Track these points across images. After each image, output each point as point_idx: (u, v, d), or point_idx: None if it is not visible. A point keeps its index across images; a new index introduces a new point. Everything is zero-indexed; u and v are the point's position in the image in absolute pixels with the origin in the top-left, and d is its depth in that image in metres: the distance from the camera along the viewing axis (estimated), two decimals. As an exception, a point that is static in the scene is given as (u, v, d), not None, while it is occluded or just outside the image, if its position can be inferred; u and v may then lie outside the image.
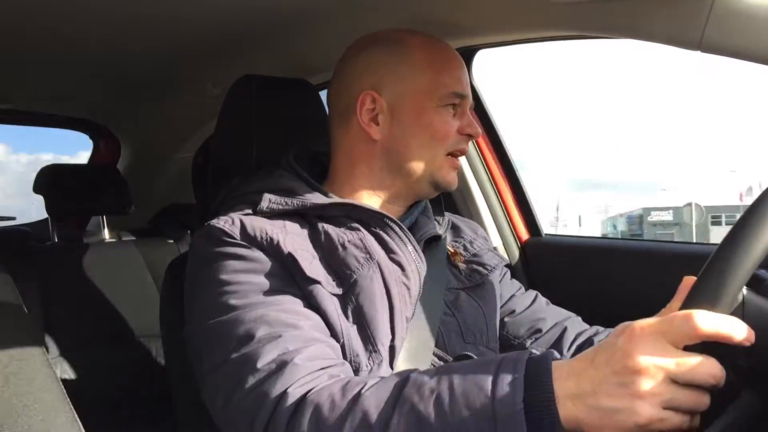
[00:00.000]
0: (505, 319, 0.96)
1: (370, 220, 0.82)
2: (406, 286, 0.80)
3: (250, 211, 0.81)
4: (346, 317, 0.75)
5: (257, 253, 0.75)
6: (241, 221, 0.77)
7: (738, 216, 0.54)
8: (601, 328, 0.94)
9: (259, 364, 0.65)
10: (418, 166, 0.85)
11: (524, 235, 1.46)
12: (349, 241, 0.79)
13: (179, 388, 0.93)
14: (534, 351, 0.59)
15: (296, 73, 1.18)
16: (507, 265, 1.02)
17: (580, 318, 0.97)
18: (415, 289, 0.81)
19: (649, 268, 1.20)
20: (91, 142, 2.07)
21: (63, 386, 0.71)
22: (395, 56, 0.85)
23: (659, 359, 0.50)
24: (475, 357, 0.83)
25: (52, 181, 1.63)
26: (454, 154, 0.87)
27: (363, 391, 0.60)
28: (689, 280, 0.55)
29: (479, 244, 0.98)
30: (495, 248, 1.03)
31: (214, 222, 0.78)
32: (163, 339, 0.99)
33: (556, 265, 1.40)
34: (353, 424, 0.58)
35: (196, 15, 1.14)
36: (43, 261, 1.51)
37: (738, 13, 0.66)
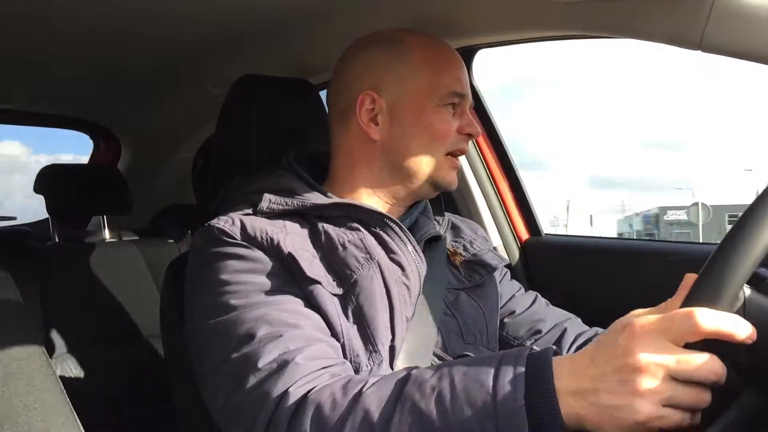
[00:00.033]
0: (505, 320, 0.96)
1: (370, 220, 0.82)
2: (406, 286, 0.80)
3: (250, 211, 0.81)
4: (347, 317, 0.75)
5: (258, 253, 0.75)
6: (242, 221, 0.77)
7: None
8: (600, 330, 0.94)
9: (260, 364, 0.65)
10: (417, 166, 0.85)
11: (524, 234, 1.46)
12: (349, 241, 0.79)
13: (179, 388, 0.93)
14: (534, 347, 0.59)
15: (297, 73, 1.18)
16: (507, 265, 1.02)
17: (579, 319, 0.97)
18: (415, 289, 0.81)
19: (650, 268, 1.20)
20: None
21: (63, 386, 0.71)
22: (394, 56, 0.85)
23: (659, 357, 0.50)
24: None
25: (52, 181, 1.63)
26: (454, 154, 0.87)
27: (364, 389, 0.60)
28: (691, 278, 0.55)
29: (479, 244, 0.98)
30: (495, 248, 1.03)
31: (214, 222, 0.78)
32: (164, 339, 0.99)
33: (556, 265, 1.40)
34: (355, 423, 0.58)
35: (196, 15, 1.14)
36: (44, 261, 1.51)
37: (738, 13, 0.66)
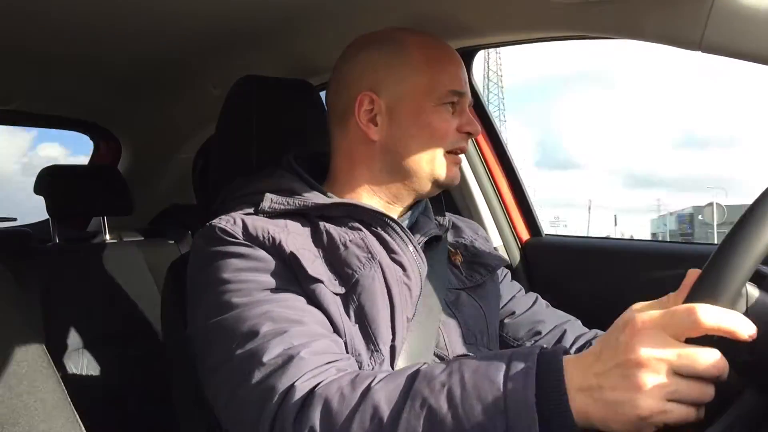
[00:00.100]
0: (505, 321, 0.96)
1: (372, 220, 0.82)
2: (407, 286, 0.80)
3: (251, 211, 0.81)
4: (348, 316, 0.75)
5: (260, 252, 0.75)
6: (243, 221, 0.78)
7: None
8: (599, 332, 0.94)
9: (265, 359, 0.65)
10: (418, 166, 0.85)
11: (525, 235, 1.46)
12: (350, 241, 0.79)
13: (180, 388, 0.94)
14: (544, 346, 0.59)
15: (297, 74, 1.18)
16: (507, 266, 1.02)
17: (579, 321, 0.97)
18: (416, 289, 0.81)
19: (650, 268, 1.20)
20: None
21: (64, 386, 0.71)
22: (393, 56, 0.85)
23: (660, 351, 0.50)
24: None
25: (52, 182, 1.63)
26: (454, 152, 0.87)
27: (373, 384, 0.60)
28: (694, 273, 0.56)
29: (480, 244, 0.98)
30: (495, 248, 1.03)
31: (215, 222, 0.78)
32: (164, 339, 0.99)
33: (557, 266, 1.40)
34: (364, 418, 0.58)
35: (196, 15, 1.14)
36: (45, 262, 1.51)
37: (738, 14, 0.66)
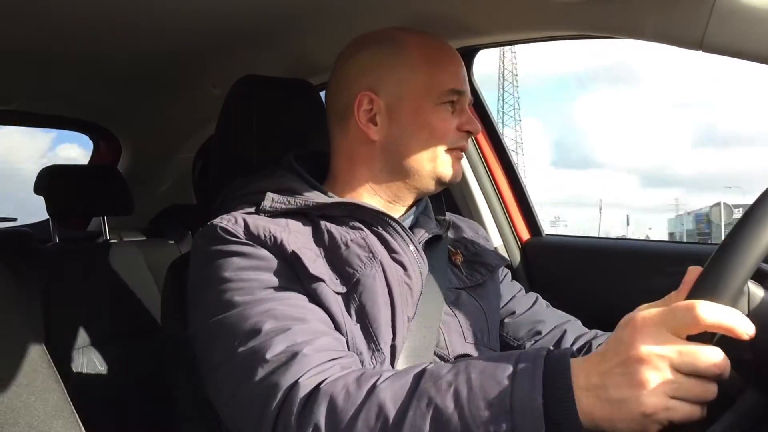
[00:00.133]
0: (506, 320, 0.96)
1: (372, 219, 0.82)
2: (408, 285, 0.80)
3: (252, 211, 0.81)
4: (350, 316, 0.75)
5: (261, 251, 0.75)
6: (245, 220, 0.77)
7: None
8: (600, 332, 0.94)
9: (268, 356, 0.65)
10: (419, 165, 0.85)
11: (525, 235, 1.46)
12: (351, 240, 0.79)
13: (180, 388, 0.93)
14: (551, 348, 0.59)
15: (297, 73, 1.18)
16: (508, 266, 1.02)
17: (579, 322, 0.97)
18: (417, 288, 0.81)
19: (650, 268, 1.20)
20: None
21: (64, 386, 0.71)
22: (391, 56, 0.85)
23: (661, 348, 0.50)
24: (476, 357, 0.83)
25: (52, 181, 1.63)
26: (454, 151, 0.87)
27: (378, 382, 0.60)
28: (694, 271, 0.56)
29: (480, 244, 0.98)
30: (496, 248, 1.03)
31: (216, 221, 0.78)
32: (164, 339, 0.99)
33: (557, 265, 1.40)
34: (369, 416, 0.58)
35: (196, 15, 1.14)
36: (45, 262, 1.51)
37: (739, 13, 0.66)
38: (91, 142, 2.07)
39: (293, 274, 0.74)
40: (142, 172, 1.99)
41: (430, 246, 0.88)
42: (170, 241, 1.90)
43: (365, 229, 0.81)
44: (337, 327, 0.73)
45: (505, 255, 1.41)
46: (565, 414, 0.52)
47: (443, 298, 0.84)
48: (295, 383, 0.63)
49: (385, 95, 0.84)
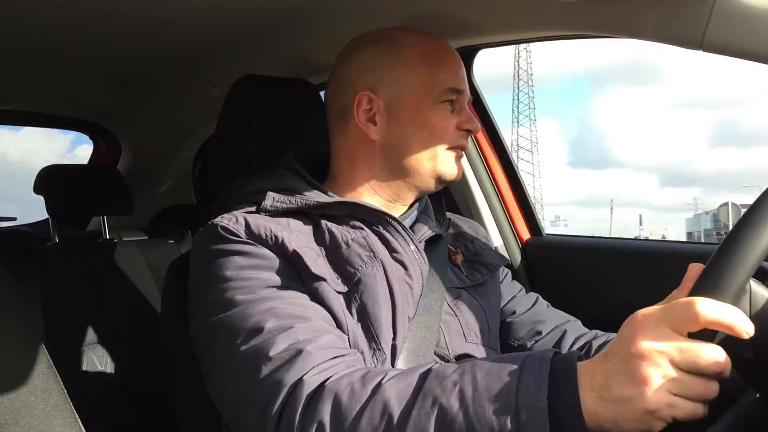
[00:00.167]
0: (506, 320, 0.96)
1: (373, 219, 0.82)
2: (408, 285, 0.80)
3: (253, 210, 0.81)
4: (351, 315, 0.75)
5: (263, 250, 0.75)
6: (246, 219, 0.77)
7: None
8: (600, 332, 0.94)
9: (272, 354, 0.65)
10: (419, 164, 0.85)
11: (525, 234, 1.46)
12: (352, 240, 0.79)
13: (180, 388, 0.93)
14: (558, 350, 0.59)
15: (297, 73, 1.18)
16: (508, 265, 1.02)
17: (579, 322, 0.97)
18: (418, 288, 0.81)
19: (650, 268, 1.20)
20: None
21: (64, 386, 0.71)
22: (390, 56, 0.85)
23: (661, 344, 0.50)
24: (476, 356, 0.83)
25: (52, 181, 1.63)
26: (454, 149, 0.87)
27: (384, 381, 0.60)
28: (695, 268, 0.56)
29: (480, 243, 0.98)
30: (496, 248, 1.03)
31: (217, 220, 0.78)
32: (164, 339, 0.99)
33: (557, 265, 1.40)
34: (373, 414, 0.58)
35: (196, 15, 1.14)
36: (44, 261, 1.51)
37: (739, 13, 0.66)
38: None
39: (294, 273, 0.74)
40: (142, 171, 1.99)
41: (430, 245, 0.88)
42: (170, 241, 1.90)
43: (366, 228, 0.81)
44: (339, 326, 0.73)
45: (506, 255, 1.41)
46: (571, 415, 0.52)
47: (443, 297, 0.84)
48: (300, 380, 0.63)
49: (384, 95, 0.84)
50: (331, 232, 0.79)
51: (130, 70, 1.48)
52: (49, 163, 1.65)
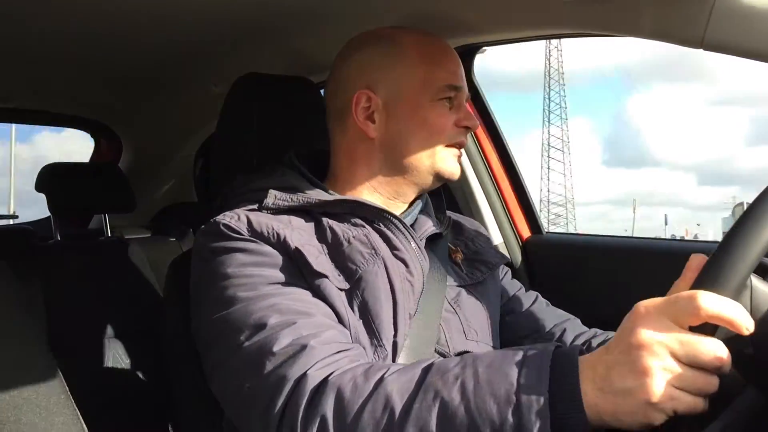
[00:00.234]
0: (506, 318, 0.96)
1: (374, 217, 0.83)
2: (409, 282, 0.80)
3: (254, 208, 0.81)
4: (353, 311, 0.76)
5: (265, 248, 0.75)
6: (247, 217, 0.78)
7: None
8: (599, 331, 0.94)
9: (275, 349, 0.65)
10: (418, 161, 0.85)
11: (525, 232, 1.46)
12: (354, 237, 0.79)
13: (182, 386, 0.94)
14: (559, 344, 0.59)
15: (298, 71, 1.18)
16: (508, 264, 1.03)
17: (579, 320, 0.97)
18: (419, 285, 0.81)
19: (651, 266, 1.20)
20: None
21: (66, 384, 0.71)
22: (388, 55, 0.85)
23: (661, 335, 0.50)
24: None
25: (54, 179, 1.63)
26: (453, 147, 0.87)
27: (386, 375, 0.61)
28: (696, 258, 0.56)
29: (480, 241, 0.98)
30: (496, 246, 1.03)
31: (219, 218, 0.79)
32: (165, 337, 0.99)
33: (558, 263, 1.40)
34: (376, 407, 0.58)
35: (197, 13, 1.14)
36: (46, 259, 1.51)
37: (740, 11, 0.66)
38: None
39: (296, 270, 0.74)
40: (143, 169, 1.99)
41: (430, 243, 0.88)
42: (171, 239, 1.90)
43: (367, 226, 0.82)
44: (341, 322, 0.74)
45: (506, 253, 1.41)
46: (572, 408, 0.52)
47: (444, 295, 0.85)
48: (304, 375, 0.63)
49: (382, 93, 0.85)
50: (332, 229, 0.80)
51: (131, 68, 1.48)
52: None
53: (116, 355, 1.45)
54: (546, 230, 1.46)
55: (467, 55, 1.24)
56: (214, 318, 0.72)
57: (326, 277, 0.74)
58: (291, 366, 0.64)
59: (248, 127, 1.00)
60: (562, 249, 1.42)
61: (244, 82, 1.03)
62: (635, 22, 0.79)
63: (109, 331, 1.47)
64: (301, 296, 0.72)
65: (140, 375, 1.45)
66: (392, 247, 0.81)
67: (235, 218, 0.78)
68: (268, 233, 0.76)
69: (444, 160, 0.86)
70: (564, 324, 0.94)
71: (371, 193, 0.88)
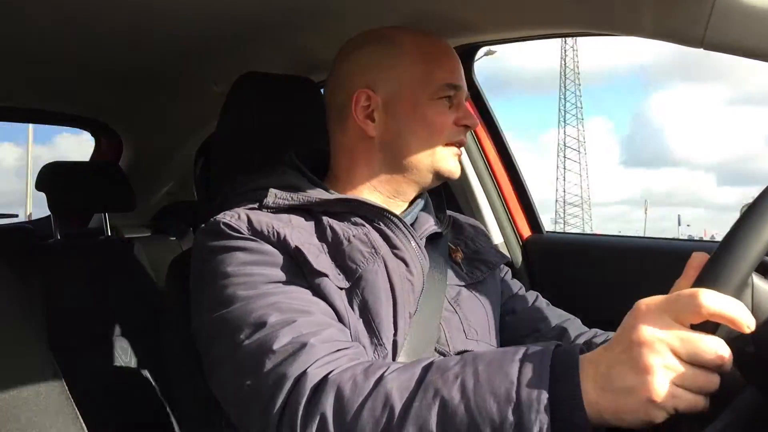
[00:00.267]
0: (506, 318, 0.96)
1: (374, 216, 0.83)
2: (409, 281, 0.80)
3: (255, 207, 0.81)
4: (353, 310, 0.76)
5: (265, 246, 0.75)
6: (248, 216, 0.78)
7: None
8: (600, 331, 0.94)
9: (275, 347, 0.65)
10: (417, 160, 0.85)
11: (526, 232, 1.46)
12: (354, 236, 0.79)
13: (182, 385, 0.94)
14: (560, 342, 0.59)
15: (298, 71, 1.18)
16: (508, 263, 1.02)
17: (579, 320, 0.97)
18: (419, 284, 0.81)
19: (651, 266, 1.20)
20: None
21: (65, 383, 0.71)
22: (388, 55, 0.85)
23: (662, 333, 0.50)
24: None
25: (54, 178, 1.63)
26: (453, 145, 0.87)
27: (386, 374, 0.61)
28: (697, 256, 0.56)
29: (481, 241, 0.98)
30: (496, 246, 1.03)
31: (219, 217, 0.79)
32: (165, 336, 0.99)
33: (558, 263, 1.40)
34: (375, 406, 0.58)
35: (198, 12, 1.14)
36: (46, 258, 1.51)
37: (740, 11, 0.66)
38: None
39: (296, 269, 0.74)
40: (143, 168, 1.99)
41: (430, 243, 0.88)
42: (172, 238, 1.90)
43: (367, 225, 0.82)
44: (341, 321, 0.74)
45: (506, 252, 1.41)
46: (572, 406, 0.52)
47: (444, 294, 0.85)
48: (304, 373, 0.63)
49: (382, 92, 0.85)
50: (332, 228, 0.80)
51: (131, 66, 1.48)
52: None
53: (116, 354, 1.45)
54: (562, 230, 1.46)
55: (467, 54, 1.24)
56: (214, 317, 0.72)
57: (326, 275, 0.74)
58: (291, 364, 0.64)
59: (249, 126, 1.00)
60: (562, 249, 1.42)
61: (244, 82, 1.03)
62: (635, 21, 0.79)
63: (109, 330, 1.47)
64: (301, 295, 0.72)
65: (140, 374, 1.45)
66: (392, 246, 0.81)
67: (235, 217, 0.78)
68: (269, 232, 0.76)
69: (444, 158, 0.86)
70: (564, 324, 0.94)
71: (371, 192, 0.88)
